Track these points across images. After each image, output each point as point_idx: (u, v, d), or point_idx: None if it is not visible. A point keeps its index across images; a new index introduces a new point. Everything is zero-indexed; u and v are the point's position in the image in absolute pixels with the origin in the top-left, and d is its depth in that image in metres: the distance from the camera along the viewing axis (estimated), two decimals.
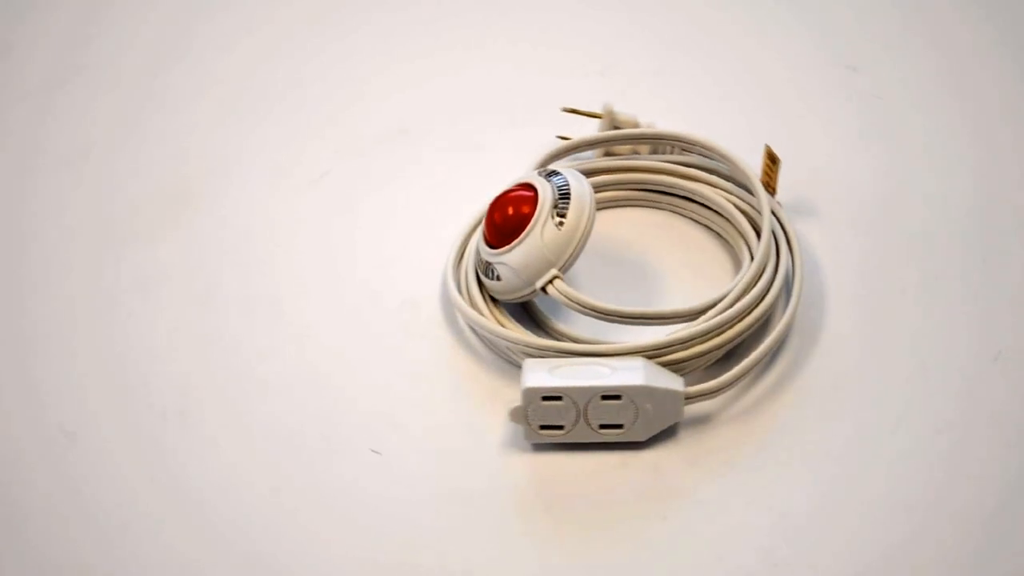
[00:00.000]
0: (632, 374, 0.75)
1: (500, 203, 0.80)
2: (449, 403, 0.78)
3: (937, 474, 0.75)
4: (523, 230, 0.79)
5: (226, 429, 0.77)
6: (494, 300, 0.81)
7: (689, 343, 0.77)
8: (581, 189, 0.80)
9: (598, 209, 0.86)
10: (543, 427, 0.75)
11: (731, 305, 0.78)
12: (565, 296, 0.78)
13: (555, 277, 0.79)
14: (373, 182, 0.90)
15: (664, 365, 0.76)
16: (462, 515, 0.74)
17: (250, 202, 0.89)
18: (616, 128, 0.88)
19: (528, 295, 0.80)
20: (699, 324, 0.77)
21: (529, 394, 0.74)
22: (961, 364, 0.78)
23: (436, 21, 1.00)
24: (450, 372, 0.80)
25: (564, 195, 0.79)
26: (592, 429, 0.75)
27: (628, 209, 0.87)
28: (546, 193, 0.79)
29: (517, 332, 0.79)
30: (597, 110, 0.88)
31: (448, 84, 0.96)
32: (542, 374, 0.75)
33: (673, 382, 0.75)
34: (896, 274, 0.83)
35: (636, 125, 0.88)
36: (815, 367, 0.79)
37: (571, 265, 0.79)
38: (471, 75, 0.97)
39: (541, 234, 0.79)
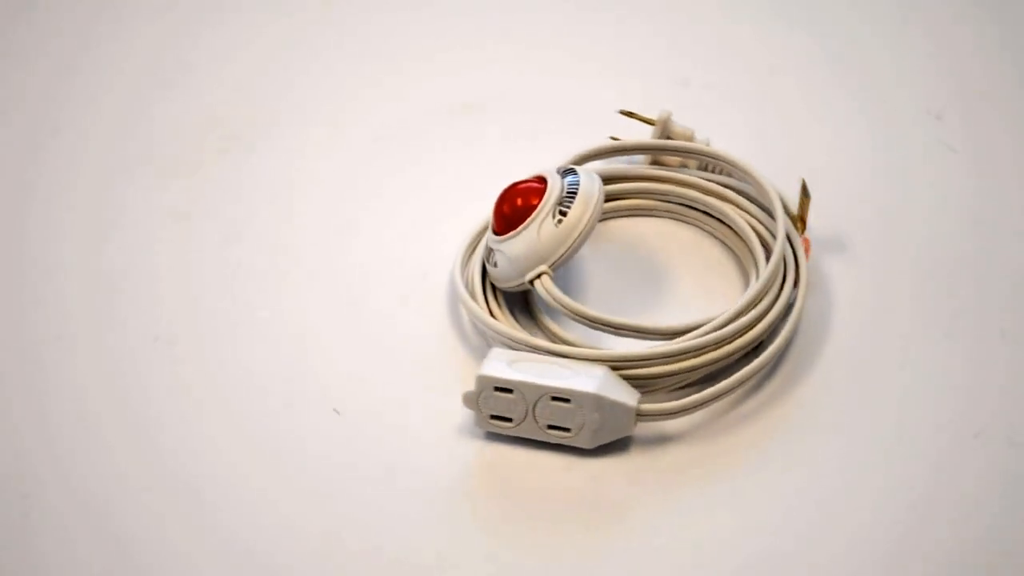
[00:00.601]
0: (586, 381, 0.74)
1: (510, 192, 0.80)
2: (425, 378, 0.79)
3: (891, 548, 0.71)
4: (523, 221, 0.79)
5: (206, 363, 0.79)
6: (496, 287, 0.81)
7: (655, 361, 0.76)
8: (590, 190, 0.79)
9: (627, 215, 0.86)
10: (493, 417, 0.75)
11: (713, 331, 0.76)
12: (549, 294, 0.78)
13: (543, 273, 0.78)
14: (421, 153, 0.91)
15: (629, 379, 0.75)
16: (395, 489, 0.74)
17: (293, 153, 0.91)
18: (668, 137, 0.87)
19: (519, 287, 0.80)
20: (672, 344, 0.76)
21: (482, 381, 0.74)
22: (939, 435, 0.75)
23: (533, 9, 1.01)
24: (438, 351, 0.80)
25: (571, 194, 0.79)
26: (540, 427, 0.75)
27: (657, 219, 0.86)
28: (554, 188, 0.79)
29: (503, 321, 0.79)
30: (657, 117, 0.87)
31: (525, 69, 0.97)
32: (500, 364, 0.75)
33: (628, 396, 0.74)
34: (902, 332, 0.80)
35: (690, 138, 0.87)
36: (790, 409, 0.77)
37: (563, 263, 0.79)
38: (551, 64, 0.97)
39: (539, 229, 0.79)
